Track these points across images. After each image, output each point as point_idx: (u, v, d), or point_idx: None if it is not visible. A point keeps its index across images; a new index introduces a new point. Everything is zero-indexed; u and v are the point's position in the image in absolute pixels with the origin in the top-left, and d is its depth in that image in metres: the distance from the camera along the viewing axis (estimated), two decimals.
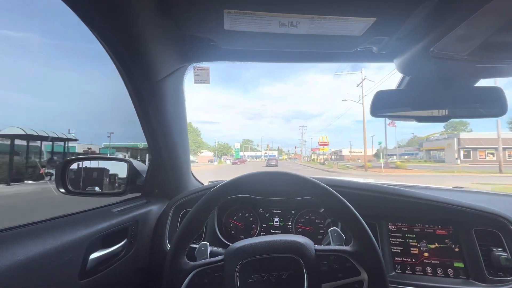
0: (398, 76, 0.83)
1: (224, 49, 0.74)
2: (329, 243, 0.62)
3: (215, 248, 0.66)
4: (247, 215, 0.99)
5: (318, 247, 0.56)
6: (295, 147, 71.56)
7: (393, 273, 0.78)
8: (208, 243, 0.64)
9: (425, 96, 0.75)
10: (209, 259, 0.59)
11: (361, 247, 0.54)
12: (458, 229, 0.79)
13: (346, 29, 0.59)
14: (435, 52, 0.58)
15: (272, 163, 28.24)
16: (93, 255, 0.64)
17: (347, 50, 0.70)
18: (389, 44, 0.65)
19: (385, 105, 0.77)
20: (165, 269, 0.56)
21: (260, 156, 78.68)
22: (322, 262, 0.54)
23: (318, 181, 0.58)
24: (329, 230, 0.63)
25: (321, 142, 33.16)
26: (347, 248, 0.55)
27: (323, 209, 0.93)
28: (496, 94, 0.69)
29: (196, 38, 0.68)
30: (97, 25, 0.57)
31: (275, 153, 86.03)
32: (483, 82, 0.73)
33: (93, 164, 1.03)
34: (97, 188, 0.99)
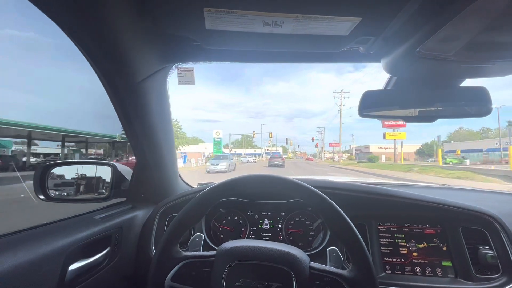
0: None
1: (207, 49, 0.71)
2: (323, 254, 0.61)
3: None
4: (236, 218, 0.97)
5: (313, 264, 0.54)
6: (313, 139, 49.56)
7: (383, 274, 0.78)
8: (202, 235, 0.65)
9: (412, 96, 0.75)
10: (201, 252, 0.59)
11: (359, 274, 0.51)
12: (445, 228, 0.80)
13: (332, 29, 0.57)
14: (422, 52, 0.57)
15: (276, 162, 20.71)
16: (73, 266, 0.61)
17: (333, 50, 0.69)
18: (376, 44, 0.64)
19: (372, 105, 0.76)
20: (156, 254, 0.55)
21: (259, 154, 57.56)
22: (315, 281, 0.52)
23: (325, 195, 0.55)
24: (328, 249, 0.62)
25: (390, 123, 15.96)
26: (344, 272, 0.53)
27: (310, 208, 0.92)
28: (481, 94, 0.70)
29: (177, 38, 0.65)
30: (68, 23, 0.53)
31: (280, 150, 68.67)
32: (469, 82, 0.74)
33: (76, 168, 0.99)
34: (79, 194, 0.95)
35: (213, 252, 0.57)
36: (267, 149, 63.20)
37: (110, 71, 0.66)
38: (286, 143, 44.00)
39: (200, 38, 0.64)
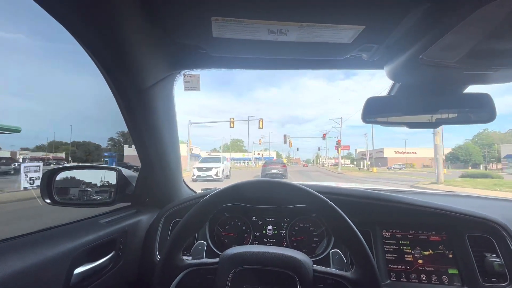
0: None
1: (213, 56, 0.73)
2: (326, 259, 0.60)
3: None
4: (239, 223, 0.97)
5: (316, 267, 0.55)
6: (323, 136, 33.02)
7: (388, 281, 0.77)
8: (205, 242, 0.64)
9: (415, 103, 0.75)
10: (204, 260, 0.59)
11: (362, 276, 0.51)
12: (451, 235, 0.79)
13: (335, 37, 0.59)
14: (424, 59, 0.58)
15: (274, 171, 13.78)
16: (78, 270, 0.62)
17: (337, 57, 0.70)
18: (379, 51, 0.65)
19: (376, 111, 0.77)
20: (159, 262, 0.55)
21: (247, 159, 44.18)
22: (318, 284, 0.53)
23: (326, 199, 0.55)
24: (330, 252, 0.62)
25: None
26: (347, 274, 0.53)
27: (314, 214, 0.92)
28: (484, 100, 0.70)
29: (184, 45, 0.67)
30: (80, 31, 0.55)
31: (274, 154, 57.51)
32: (472, 89, 0.74)
33: (82, 173, 1.00)
34: (85, 198, 0.96)
35: (216, 259, 0.57)
36: (259, 153, 52.00)
37: (120, 77, 0.68)
38: (285, 142, 30.93)
39: (207, 46, 0.65)
